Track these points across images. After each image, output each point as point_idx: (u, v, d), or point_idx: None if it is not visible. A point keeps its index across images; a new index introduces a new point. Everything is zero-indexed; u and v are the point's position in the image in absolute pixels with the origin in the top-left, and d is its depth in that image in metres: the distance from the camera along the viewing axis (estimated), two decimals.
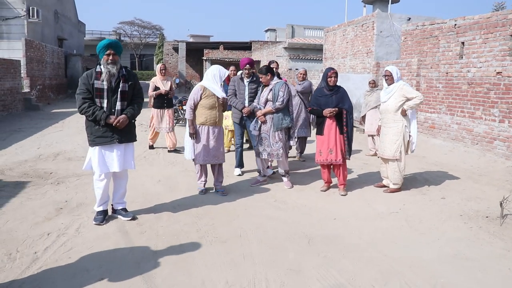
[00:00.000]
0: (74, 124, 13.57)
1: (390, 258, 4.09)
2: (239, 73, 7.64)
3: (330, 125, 6.20)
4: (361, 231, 4.80)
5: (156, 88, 9.06)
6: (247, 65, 6.99)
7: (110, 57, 4.60)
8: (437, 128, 10.60)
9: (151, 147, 9.58)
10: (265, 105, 6.40)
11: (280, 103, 6.29)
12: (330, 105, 6.16)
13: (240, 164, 7.43)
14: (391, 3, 15.73)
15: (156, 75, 9.38)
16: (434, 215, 5.39)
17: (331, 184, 6.52)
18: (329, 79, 6.23)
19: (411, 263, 4.00)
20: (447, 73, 10.20)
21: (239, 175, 7.31)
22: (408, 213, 5.47)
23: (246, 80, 7.08)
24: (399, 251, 4.27)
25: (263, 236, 4.58)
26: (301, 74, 8.56)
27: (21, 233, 4.50)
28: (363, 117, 9.39)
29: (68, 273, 3.65)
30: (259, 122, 6.44)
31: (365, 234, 4.72)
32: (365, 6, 17.68)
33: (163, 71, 9.24)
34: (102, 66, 4.63)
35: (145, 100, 5.30)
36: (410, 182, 6.91)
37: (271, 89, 6.37)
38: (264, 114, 6.37)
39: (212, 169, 6.22)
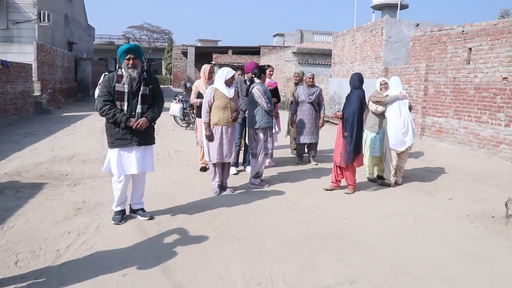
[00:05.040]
0: (86, 128, 13.78)
1: (400, 255, 4.25)
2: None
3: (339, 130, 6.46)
4: (371, 230, 4.96)
5: (200, 95, 7.42)
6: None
7: (131, 62, 4.71)
8: (444, 132, 10.70)
9: (203, 169, 7.72)
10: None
11: None
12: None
13: (236, 164, 7.64)
14: (400, 10, 15.90)
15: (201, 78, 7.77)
16: (442, 215, 5.54)
17: (339, 185, 6.71)
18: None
19: (420, 259, 4.16)
20: (454, 78, 10.31)
21: (235, 174, 7.49)
22: (416, 213, 5.62)
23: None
24: (408, 248, 4.42)
25: (278, 235, 4.73)
26: (310, 79, 8.52)
27: (42, 232, 4.65)
28: None
29: (91, 269, 3.79)
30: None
31: (375, 232, 4.88)
32: (374, 12, 17.94)
33: (211, 74, 7.55)
34: (123, 70, 4.75)
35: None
36: (418, 184, 7.08)
37: None
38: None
39: (222, 167, 6.36)
